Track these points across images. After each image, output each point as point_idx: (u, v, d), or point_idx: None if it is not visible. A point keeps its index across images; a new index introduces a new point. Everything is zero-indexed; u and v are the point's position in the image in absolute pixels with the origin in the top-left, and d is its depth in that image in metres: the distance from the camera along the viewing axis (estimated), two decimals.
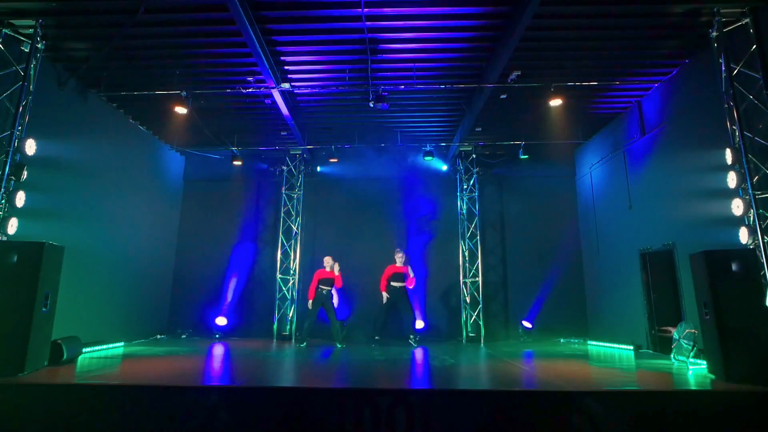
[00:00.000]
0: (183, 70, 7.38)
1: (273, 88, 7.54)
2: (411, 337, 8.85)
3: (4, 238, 5.61)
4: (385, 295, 8.83)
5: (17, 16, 6.01)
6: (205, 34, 6.52)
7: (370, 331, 9.12)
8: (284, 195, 10.86)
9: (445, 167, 11.04)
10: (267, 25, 6.38)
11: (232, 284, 10.75)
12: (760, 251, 5.21)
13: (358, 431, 4.04)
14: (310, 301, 8.57)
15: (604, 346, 8.75)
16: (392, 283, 8.85)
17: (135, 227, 9.18)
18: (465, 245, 10.51)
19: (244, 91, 7.85)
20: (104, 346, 7.59)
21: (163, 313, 10.45)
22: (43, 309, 5.42)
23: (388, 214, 10.80)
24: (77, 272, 7.12)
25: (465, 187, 10.75)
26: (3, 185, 5.63)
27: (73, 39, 6.58)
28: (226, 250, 10.90)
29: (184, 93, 7.54)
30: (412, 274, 8.99)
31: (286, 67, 7.46)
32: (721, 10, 5.86)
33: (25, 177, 5.81)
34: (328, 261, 8.72)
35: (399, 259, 8.96)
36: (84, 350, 6.64)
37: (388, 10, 6.08)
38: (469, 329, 10.01)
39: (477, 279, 10.25)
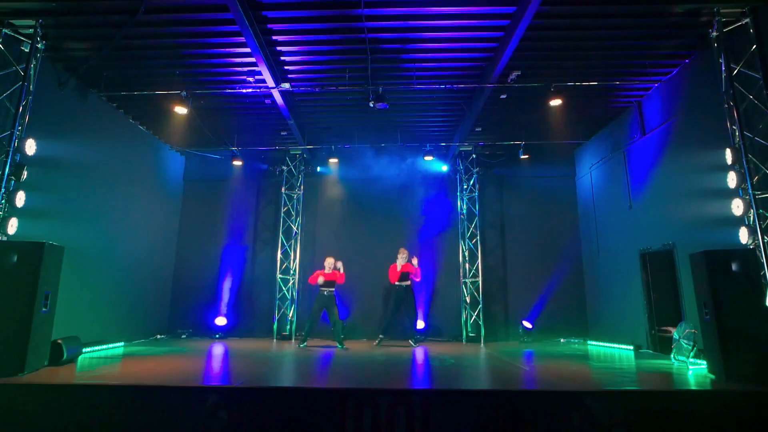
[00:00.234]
0: (183, 70, 7.38)
1: (273, 88, 7.54)
2: (411, 338, 8.82)
3: (4, 238, 5.61)
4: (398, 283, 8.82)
5: (17, 16, 6.01)
6: (205, 34, 6.52)
7: (369, 330, 9.11)
8: (284, 195, 10.86)
9: (445, 167, 11.03)
10: (267, 25, 6.37)
11: (232, 284, 10.75)
12: (760, 251, 5.21)
13: (358, 431, 4.03)
14: (316, 306, 8.58)
15: (604, 346, 8.75)
16: (398, 283, 8.83)
17: (135, 227, 9.17)
18: (465, 245, 10.51)
19: (244, 91, 7.85)
20: (104, 346, 7.59)
21: (163, 313, 10.45)
22: (43, 309, 5.42)
23: (388, 214, 10.80)
24: (77, 272, 7.12)
25: (465, 187, 10.75)
26: (3, 185, 5.63)
27: (73, 39, 6.58)
28: (226, 250, 10.90)
29: (184, 93, 7.54)
30: (416, 264, 8.92)
31: (286, 67, 7.46)
32: (721, 10, 5.85)
33: (25, 177, 5.81)
34: (329, 262, 8.66)
35: (402, 258, 8.92)
36: (84, 350, 6.64)
37: (388, 10, 6.08)
38: (469, 329, 10.01)
39: (477, 279, 10.25)
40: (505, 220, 10.98)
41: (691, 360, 6.06)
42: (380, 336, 8.87)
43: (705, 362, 5.51)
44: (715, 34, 6.00)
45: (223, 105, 8.67)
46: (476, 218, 10.56)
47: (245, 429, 4.13)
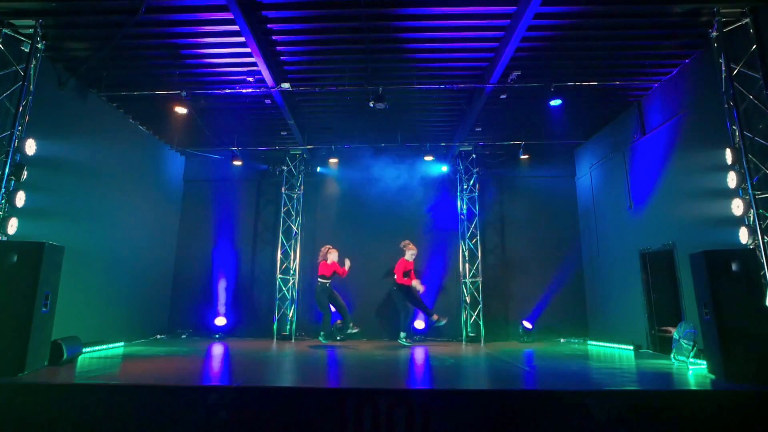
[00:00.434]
0: (183, 70, 7.38)
1: (273, 88, 7.54)
2: (403, 335, 8.74)
3: (4, 238, 5.61)
4: (415, 283, 8.68)
5: (17, 16, 6.01)
6: (205, 34, 6.52)
7: (369, 330, 9.07)
8: (284, 195, 10.86)
9: (445, 167, 11.03)
10: (267, 25, 6.37)
11: (232, 284, 10.75)
12: (760, 251, 5.21)
13: (358, 431, 4.04)
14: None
15: (604, 346, 8.75)
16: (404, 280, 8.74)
17: (135, 227, 9.17)
18: (465, 245, 10.51)
19: (244, 91, 7.85)
20: (104, 346, 7.59)
21: (163, 313, 10.45)
22: (43, 309, 5.42)
23: (387, 214, 10.78)
24: (77, 272, 7.11)
25: (465, 187, 10.75)
26: (3, 185, 5.63)
27: (73, 39, 6.58)
28: (226, 250, 10.90)
29: (184, 93, 7.54)
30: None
31: (286, 67, 7.47)
32: (721, 10, 5.85)
33: (25, 177, 5.81)
34: (321, 252, 8.66)
35: (412, 255, 8.84)
36: (84, 350, 6.63)
37: (388, 10, 6.08)
38: (469, 329, 10.01)
39: (477, 279, 10.25)
40: (505, 220, 10.98)
41: (691, 360, 6.06)
42: (403, 334, 8.73)
43: (705, 362, 5.51)
44: (715, 34, 6.00)
45: (223, 105, 8.66)
46: (476, 218, 10.56)
47: (245, 429, 4.13)
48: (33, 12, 5.99)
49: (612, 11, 6.04)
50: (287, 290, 10.45)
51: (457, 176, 10.89)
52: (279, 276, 10.48)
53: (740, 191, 5.53)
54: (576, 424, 4.03)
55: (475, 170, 10.70)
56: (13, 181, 5.74)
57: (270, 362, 6.70)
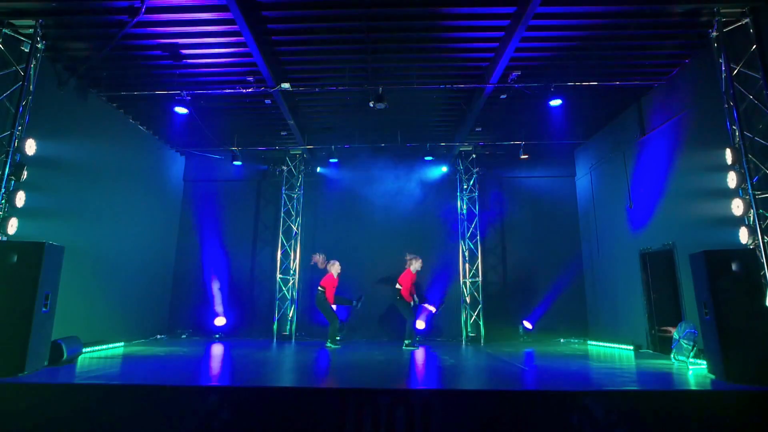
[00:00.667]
0: (183, 70, 7.38)
1: (273, 88, 7.54)
2: (407, 342, 8.42)
3: (4, 238, 5.61)
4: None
5: (17, 16, 6.01)
6: (205, 34, 6.52)
7: (368, 330, 9.01)
8: (284, 195, 10.86)
9: (445, 167, 11.03)
10: (267, 25, 6.37)
11: (232, 284, 10.75)
12: (760, 251, 5.21)
13: (358, 431, 4.03)
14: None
15: (604, 346, 8.75)
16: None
17: (135, 227, 9.17)
18: (465, 245, 10.51)
19: (244, 91, 7.85)
20: (104, 346, 7.59)
21: (163, 313, 10.45)
22: (43, 309, 5.42)
23: (387, 213, 10.79)
24: (77, 272, 7.11)
25: (465, 187, 10.75)
26: (3, 185, 5.63)
27: (73, 39, 6.58)
28: (227, 250, 10.90)
29: (184, 93, 7.54)
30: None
31: (286, 67, 7.46)
32: (721, 10, 5.86)
33: (25, 177, 5.81)
34: (328, 264, 8.71)
35: (417, 268, 8.65)
36: (84, 350, 6.63)
37: (388, 10, 6.08)
38: (469, 329, 10.01)
39: (477, 279, 10.25)
40: (504, 220, 10.98)
41: (691, 360, 6.06)
42: (407, 341, 8.45)
43: (705, 362, 5.51)
44: (715, 34, 6.00)
45: (223, 105, 8.66)
46: (476, 218, 10.56)
47: (245, 429, 4.13)
48: (33, 12, 5.99)
49: (612, 11, 6.04)
50: (287, 290, 10.44)
51: (457, 176, 10.89)
52: (279, 276, 10.48)
53: (740, 191, 5.54)
54: (576, 424, 4.03)
55: (475, 170, 10.70)
56: (13, 181, 5.74)
57: (270, 362, 6.70)
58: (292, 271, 10.58)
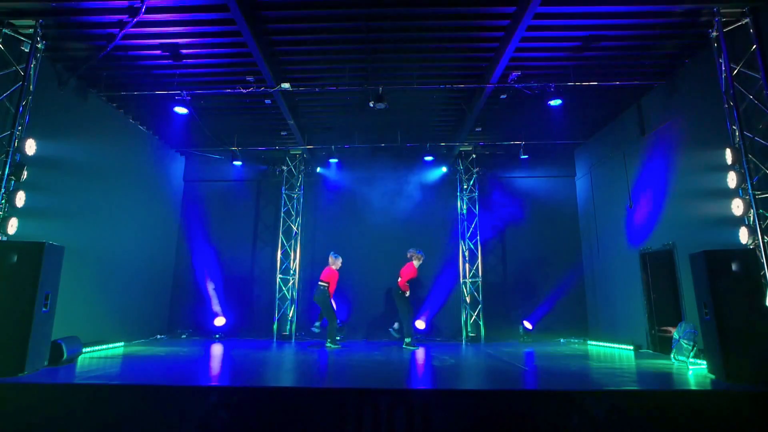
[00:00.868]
0: (183, 70, 7.38)
1: (273, 88, 7.54)
2: (408, 340, 8.37)
3: (4, 238, 5.61)
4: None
5: (17, 16, 6.00)
6: (205, 34, 6.52)
7: (369, 330, 9.01)
8: (284, 195, 10.86)
9: (445, 168, 11.03)
10: (267, 25, 6.37)
11: (232, 284, 10.75)
12: (760, 251, 5.21)
13: (358, 431, 4.03)
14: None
15: (604, 346, 8.74)
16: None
17: (135, 227, 9.17)
18: (465, 245, 10.51)
19: (244, 91, 7.84)
20: (104, 346, 7.59)
21: (163, 314, 10.45)
22: (43, 309, 5.42)
23: (387, 213, 10.80)
24: (77, 272, 7.11)
25: (465, 187, 10.75)
26: (3, 185, 5.63)
27: (73, 39, 6.58)
28: (227, 250, 10.91)
29: (184, 93, 7.54)
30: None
31: (286, 67, 7.47)
32: (721, 10, 5.86)
33: (25, 177, 5.81)
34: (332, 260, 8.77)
35: (419, 262, 8.70)
36: (84, 350, 6.63)
37: (388, 10, 6.08)
38: (469, 329, 10.01)
39: (477, 279, 10.26)
40: (505, 220, 10.98)
41: (691, 360, 6.06)
42: (406, 339, 8.40)
43: (705, 362, 5.51)
44: (715, 34, 6.00)
45: (223, 105, 8.66)
46: (476, 218, 10.56)
47: (245, 429, 4.13)
48: (33, 12, 5.99)
49: (612, 11, 6.04)
50: (287, 290, 10.45)
51: (457, 176, 10.89)
52: (279, 276, 10.48)
53: (740, 191, 5.54)
54: (576, 424, 4.03)
55: (475, 170, 10.70)
56: (13, 181, 5.74)
57: (270, 362, 6.70)
58: (292, 271, 10.58)
